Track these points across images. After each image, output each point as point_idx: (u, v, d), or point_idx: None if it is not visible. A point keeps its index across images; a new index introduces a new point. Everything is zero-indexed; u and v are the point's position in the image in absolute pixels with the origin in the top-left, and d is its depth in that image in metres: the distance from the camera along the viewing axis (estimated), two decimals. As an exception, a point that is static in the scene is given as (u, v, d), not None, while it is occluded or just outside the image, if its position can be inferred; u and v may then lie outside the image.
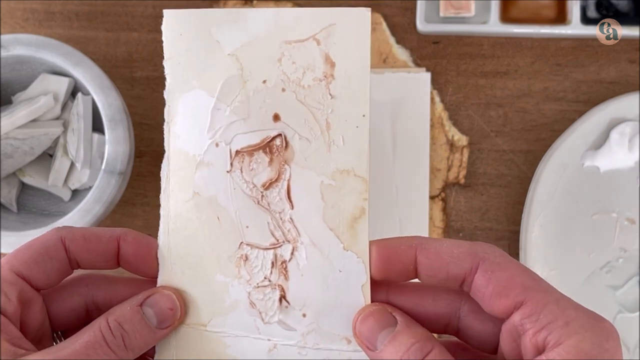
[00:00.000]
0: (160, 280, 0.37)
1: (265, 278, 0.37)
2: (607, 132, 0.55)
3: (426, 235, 0.56)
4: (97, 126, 0.53)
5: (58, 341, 0.36)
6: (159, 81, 0.58)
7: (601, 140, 0.55)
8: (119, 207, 0.57)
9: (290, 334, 0.37)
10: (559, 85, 0.57)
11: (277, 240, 0.37)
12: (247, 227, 0.37)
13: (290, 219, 0.37)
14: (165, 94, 0.38)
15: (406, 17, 0.58)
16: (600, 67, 0.57)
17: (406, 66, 0.58)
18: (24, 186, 0.56)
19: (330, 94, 0.37)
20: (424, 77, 0.57)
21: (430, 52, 0.58)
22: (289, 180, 0.37)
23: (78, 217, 0.50)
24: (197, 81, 0.38)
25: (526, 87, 0.58)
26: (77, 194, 0.55)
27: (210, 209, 0.37)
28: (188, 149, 0.37)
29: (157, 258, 0.37)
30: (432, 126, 0.57)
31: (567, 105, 0.57)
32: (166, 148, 0.38)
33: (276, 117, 0.37)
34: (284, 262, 0.37)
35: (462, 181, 0.57)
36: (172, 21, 0.38)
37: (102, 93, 0.51)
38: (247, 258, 0.37)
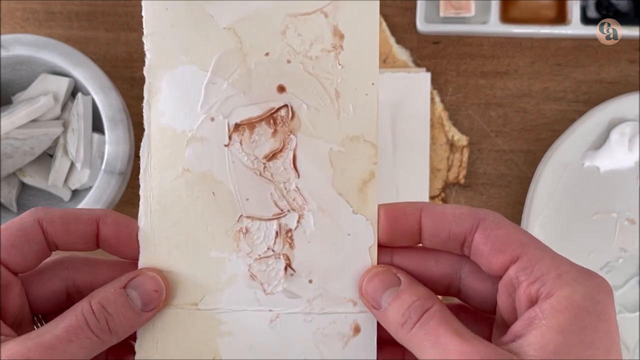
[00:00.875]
0: (142, 263, 0.36)
1: (268, 249, 0.37)
2: (607, 132, 0.55)
3: None
4: (97, 126, 0.53)
5: (39, 325, 0.36)
6: (159, 81, 0.58)
7: (601, 140, 0.55)
8: (119, 207, 0.57)
9: (295, 302, 0.37)
10: (559, 85, 0.57)
11: (282, 210, 0.37)
12: (247, 199, 0.37)
13: (296, 187, 0.37)
14: (145, 71, 0.38)
15: (406, 17, 0.58)
16: (600, 67, 0.57)
17: (406, 66, 0.58)
18: (24, 186, 0.56)
19: (340, 64, 0.37)
20: (424, 77, 0.57)
21: (430, 52, 0.58)
22: (294, 150, 0.37)
23: (78, 217, 0.50)
24: (186, 56, 0.37)
25: (526, 87, 0.58)
26: (77, 194, 0.55)
27: (204, 184, 0.37)
28: (176, 126, 0.37)
29: (137, 240, 0.36)
30: (432, 126, 0.57)
31: (567, 105, 0.57)
32: (146, 127, 0.38)
33: (281, 89, 0.37)
34: (289, 230, 0.37)
35: (462, 181, 0.57)
36: None
37: (102, 93, 0.51)
38: (247, 231, 0.37)
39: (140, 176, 0.37)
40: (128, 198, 0.58)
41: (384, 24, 0.58)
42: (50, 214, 0.35)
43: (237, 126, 0.37)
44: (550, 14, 0.57)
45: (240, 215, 0.37)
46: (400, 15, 0.58)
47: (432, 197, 0.57)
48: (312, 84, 0.37)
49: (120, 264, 0.37)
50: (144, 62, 0.58)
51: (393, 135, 0.57)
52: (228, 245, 0.37)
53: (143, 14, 0.38)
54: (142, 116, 0.59)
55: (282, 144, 0.37)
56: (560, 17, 0.57)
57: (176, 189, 0.37)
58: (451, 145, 0.57)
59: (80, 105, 0.52)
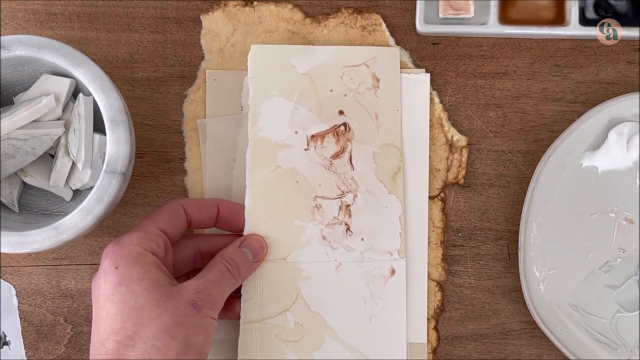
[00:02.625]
0: (247, 231, 0.54)
1: (334, 218, 0.55)
2: (606, 133, 0.55)
3: (426, 235, 0.56)
4: (99, 127, 0.53)
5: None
6: (160, 82, 0.59)
7: (599, 141, 0.55)
8: (120, 207, 0.58)
9: (352, 254, 0.55)
10: (557, 86, 0.58)
11: (342, 192, 0.55)
12: (320, 185, 0.55)
13: (352, 177, 0.55)
14: (250, 101, 0.55)
15: (405, 19, 0.58)
16: (599, 68, 0.58)
17: (406, 67, 0.58)
18: (25, 186, 0.56)
19: (377, 97, 0.56)
20: (424, 78, 0.57)
21: (430, 53, 0.58)
22: (350, 152, 0.55)
23: (79, 217, 0.50)
24: (277, 92, 0.56)
25: (525, 87, 0.58)
26: (78, 194, 0.56)
27: (291, 176, 0.55)
28: (271, 137, 0.55)
29: (244, 216, 0.53)
30: (431, 127, 0.57)
31: (565, 105, 0.58)
32: (250, 138, 0.55)
33: (341, 112, 0.56)
34: (348, 205, 0.55)
35: (462, 181, 0.57)
36: (258, 52, 0.56)
37: (103, 94, 0.51)
38: (320, 206, 0.55)
39: (247, 172, 0.55)
40: (129, 198, 0.58)
41: (384, 25, 0.58)
42: (188, 200, 0.52)
43: (312, 137, 0.55)
44: (548, 15, 0.57)
45: (315, 196, 0.55)
46: (400, 16, 0.58)
47: (431, 197, 0.57)
48: (361, 110, 0.56)
49: (228, 236, 0.53)
50: (144, 62, 0.59)
51: (393, 135, 0.57)
52: (307, 217, 0.55)
53: (249, 64, 0.56)
54: (142, 117, 0.60)
55: (342, 148, 0.55)
56: (559, 18, 0.57)
57: (271, 180, 0.55)
58: (450, 145, 0.57)
59: (81, 105, 0.53)
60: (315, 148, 0.55)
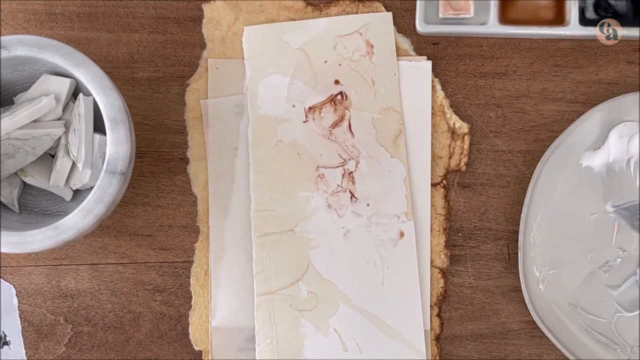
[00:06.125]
0: (254, 206, 0.56)
1: (338, 186, 0.56)
2: (606, 133, 0.55)
3: (428, 222, 0.57)
4: (99, 127, 0.53)
5: None
6: (160, 82, 0.59)
7: (600, 141, 0.55)
8: (120, 207, 0.58)
9: (359, 220, 0.56)
10: (557, 86, 0.58)
11: (344, 160, 0.56)
12: (321, 155, 0.56)
13: (352, 144, 0.56)
14: (247, 81, 0.57)
15: (405, 19, 0.58)
16: (599, 67, 0.58)
17: (407, 54, 0.58)
18: (25, 186, 0.56)
19: (372, 63, 0.57)
20: (425, 66, 0.57)
21: (430, 53, 0.58)
22: (349, 120, 0.56)
23: (80, 217, 0.50)
24: (273, 69, 0.57)
25: (525, 87, 0.58)
26: (78, 194, 0.56)
27: (292, 148, 0.56)
28: (270, 114, 0.57)
29: None
30: (433, 114, 0.57)
31: (565, 105, 0.58)
32: (250, 117, 0.56)
33: (337, 82, 0.57)
34: (350, 172, 0.56)
35: (464, 168, 0.57)
36: (252, 33, 0.57)
37: (103, 94, 0.51)
38: (323, 176, 0.56)
39: (249, 149, 0.56)
40: (129, 198, 0.58)
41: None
42: None
43: (310, 109, 0.57)
44: (548, 15, 0.57)
45: (318, 166, 0.56)
46: (400, 16, 0.58)
47: (433, 185, 0.57)
48: (356, 77, 0.57)
49: None
50: (145, 62, 0.59)
51: (393, 135, 0.57)
52: (311, 187, 0.56)
53: (243, 46, 0.57)
54: (142, 117, 0.60)
55: (340, 117, 0.57)
56: (559, 18, 0.57)
57: (273, 154, 0.56)
58: (452, 132, 0.57)
59: (81, 105, 0.53)
60: (313, 119, 0.56)
